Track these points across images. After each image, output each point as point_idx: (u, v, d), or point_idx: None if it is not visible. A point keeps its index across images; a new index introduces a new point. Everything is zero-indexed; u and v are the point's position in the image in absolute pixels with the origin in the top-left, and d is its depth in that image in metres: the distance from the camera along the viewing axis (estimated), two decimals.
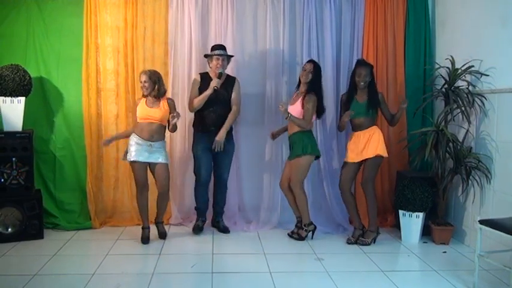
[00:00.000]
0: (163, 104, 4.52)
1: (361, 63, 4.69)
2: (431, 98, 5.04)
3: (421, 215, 4.75)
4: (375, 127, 4.67)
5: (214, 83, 4.64)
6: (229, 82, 4.80)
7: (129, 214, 5.21)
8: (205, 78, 4.80)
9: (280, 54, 5.24)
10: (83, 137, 5.11)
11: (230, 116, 4.78)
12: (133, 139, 4.45)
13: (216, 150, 4.63)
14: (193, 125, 4.94)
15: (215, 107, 4.76)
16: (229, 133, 4.85)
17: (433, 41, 5.36)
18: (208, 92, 4.64)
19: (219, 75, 4.65)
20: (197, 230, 4.90)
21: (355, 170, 4.69)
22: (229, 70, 4.98)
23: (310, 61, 4.68)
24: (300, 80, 4.69)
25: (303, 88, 4.63)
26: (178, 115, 4.46)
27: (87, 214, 5.11)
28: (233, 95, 4.80)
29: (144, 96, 4.49)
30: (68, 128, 5.09)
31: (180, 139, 5.15)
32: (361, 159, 4.62)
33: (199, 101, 4.71)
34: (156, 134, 4.47)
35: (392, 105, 5.13)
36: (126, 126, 5.12)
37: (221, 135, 4.66)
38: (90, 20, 5.07)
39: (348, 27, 5.27)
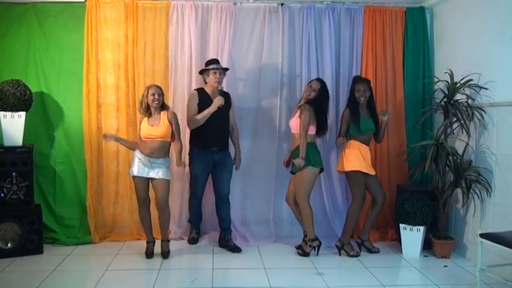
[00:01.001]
0: (164, 119, 4.46)
1: (358, 79, 4.74)
2: (431, 111, 5.03)
3: (421, 228, 4.73)
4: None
5: (219, 101, 4.59)
6: (226, 98, 4.74)
7: (129, 228, 5.17)
8: (201, 94, 4.74)
9: (278, 70, 5.24)
10: (83, 152, 5.09)
11: (236, 138, 4.83)
12: (137, 154, 4.43)
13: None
14: (191, 142, 4.85)
15: (217, 124, 4.70)
16: (226, 149, 4.79)
17: (431, 55, 5.36)
18: (212, 110, 4.57)
19: (220, 92, 4.61)
20: (192, 241, 4.94)
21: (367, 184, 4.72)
22: (224, 85, 4.97)
23: (319, 80, 4.66)
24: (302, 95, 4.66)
25: (302, 102, 4.64)
26: (183, 165, 4.49)
27: (87, 229, 5.08)
28: (231, 113, 4.78)
29: (145, 115, 4.44)
30: (68, 143, 5.08)
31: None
32: (369, 172, 4.68)
33: (202, 118, 4.62)
34: (157, 150, 4.42)
35: (393, 118, 5.14)
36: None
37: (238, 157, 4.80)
38: (91, 35, 5.07)
39: (347, 42, 5.27)
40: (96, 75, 5.12)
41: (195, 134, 4.74)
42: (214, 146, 4.72)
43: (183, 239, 5.14)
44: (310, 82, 4.65)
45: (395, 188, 5.21)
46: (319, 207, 5.22)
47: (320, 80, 4.64)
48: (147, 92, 4.42)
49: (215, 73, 4.62)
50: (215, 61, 4.73)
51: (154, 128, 4.40)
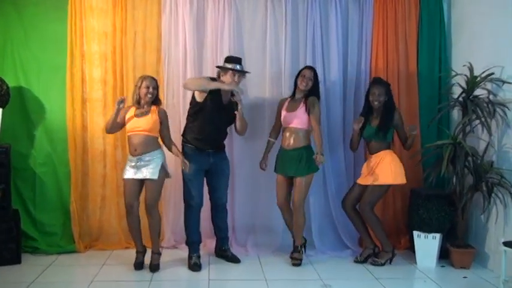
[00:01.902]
0: (153, 114, 4.42)
1: (375, 81, 4.75)
2: (448, 108, 5.00)
3: (438, 236, 4.70)
4: (386, 152, 4.69)
5: (234, 86, 4.37)
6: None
7: (117, 236, 5.11)
8: (212, 94, 4.50)
9: (281, 62, 5.19)
10: (67, 152, 5.03)
11: (245, 122, 4.63)
12: (128, 156, 4.41)
13: (236, 99, 4.37)
14: (183, 138, 4.67)
15: (219, 124, 4.59)
16: (223, 150, 4.75)
17: (448, 46, 5.32)
18: (223, 86, 4.36)
19: (236, 106, 4.44)
20: (195, 267, 4.56)
21: (361, 192, 4.74)
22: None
23: (310, 68, 4.65)
24: (295, 87, 4.63)
25: (299, 95, 4.61)
26: (187, 164, 4.42)
27: (71, 236, 5.01)
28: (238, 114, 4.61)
29: (135, 105, 4.38)
30: (50, 142, 5.03)
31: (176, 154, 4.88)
32: (366, 184, 4.68)
33: (204, 84, 4.37)
34: (141, 146, 4.34)
35: (406, 115, 5.06)
36: (114, 141, 5.09)
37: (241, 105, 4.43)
38: (75, 25, 5.01)
39: (355, 31, 5.24)
40: (81, 68, 5.06)
41: (189, 130, 4.61)
42: (210, 147, 4.60)
43: (177, 247, 5.07)
44: (302, 72, 4.61)
45: (409, 192, 5.10)
46: (326, 216, 5.17)
47: (311, 68, 4.65)
48: (141, 84, 4.40)
49: (234, 75, 4.47)
50: (237, 60, 4.55)
51: (140, 120, 4.35)
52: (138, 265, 4.49)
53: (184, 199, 4.62)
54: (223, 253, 4.79)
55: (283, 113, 4.67)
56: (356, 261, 4.75)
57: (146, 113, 4.39)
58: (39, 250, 4.91)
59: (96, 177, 5.13)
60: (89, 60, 5.09)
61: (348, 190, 4.88)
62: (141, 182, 4.38)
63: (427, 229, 4.71)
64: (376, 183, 4.59)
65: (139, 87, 4.41)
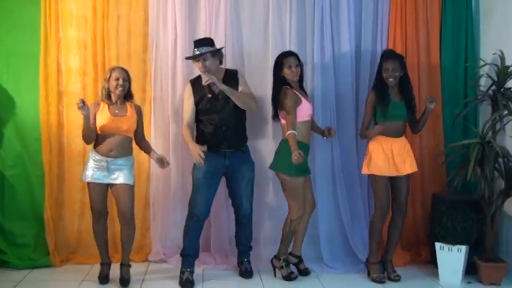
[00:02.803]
0: (131, 110, 4.43)
1: (387, 55, 4.63)
2: (475, 102, 4.89)
3: (463, 248, 4.59)
4: (404, 137, 4.67)
5: (205, 78, 4.35)
6: (229, 78, 4.55)
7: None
8: (195, 86, 4.56)
9: (286, 49, 4.93)
10: (40, 152, 4.95)
11: (244, 95, 4.52)
12: (92, 155, 4.37)
13: (205, 83, 4.36)
14: (197, 141, 4.63)
15: (218, 118, 4.50)
16: (242, 150, 4.65)
17: (476, 32, 5.20)
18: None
19: (209, 89, 4.43)
20: (187, 284, 4.45)
21: (388, 187, 4.64)
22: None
23: (292, 54, 4.59)
24: (281, 79, 4.55)
25: (294, 84, 4.57)
26: (167, 163, 4.49)
27: (45, 249, 4.93)
28: (241, 88, 4.54)
29: (105, 100, 4.38)
30: (21, 141, 4.94)
31: (163, 153, 4.84)
32: (396, 175, 4.56)
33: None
34: (118, 148, 4.35)
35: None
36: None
37: (219, 84, 4.39)
38: (50, 8, 4.93)
39: (369, 15, 5.12)
40: (56, 57, 4.99)
41: (198, 133, 4.62)
42: (224, 147, 4.52)
43: (166, 261, 4.97)
44: (284, 60, 4.52)
45: (431, 197, 5.06)
46: (334, 221, 5.06)
47: (292, 53, 4.61)
48: (110, 75, 4.40)
49: (198, 61, 4.45)
50: (198, 43, 4.50)
51: (120, 119, 4.35)
52: (104, 278, 4.47)
53: (188, 204, 4.59)
54: (240, 264, 4.77)
55: (306, 102, 4.56)
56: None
57: (124, 111, 4.40)
58: (8, 264, 4.84)
59: (74, 181, 5.02)
60: (66, 48, 5.02)
61: (384, 189, 4.60)
62: (107, 186, 4.37)
63: (452, 240, 4.60)
64: (414, 170, 4.58)
65: (108, 79, 4.40)
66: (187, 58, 4.59)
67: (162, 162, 4.42)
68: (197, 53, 4.42)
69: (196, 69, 4.59)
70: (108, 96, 4.37)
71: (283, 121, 4.49)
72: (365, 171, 4.61)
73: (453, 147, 4.80)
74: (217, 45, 4.63)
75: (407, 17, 5.14)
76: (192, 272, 4.53)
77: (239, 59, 5.10)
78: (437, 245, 4.64)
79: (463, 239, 4.57)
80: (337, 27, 5.13)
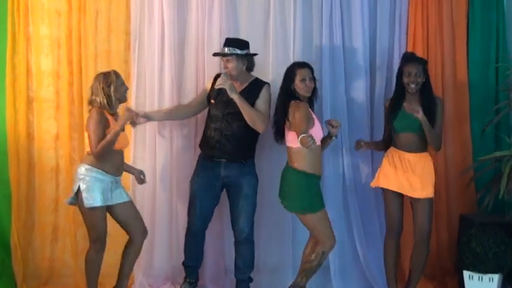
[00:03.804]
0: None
1: (409, 58, 4.55)
2: (508, 109, 4.79)
3: (496, 277, 4.46)
4: (427, 154, 4.51)
5: (221, 81, 4.36)
6: (252, 89, 4.56)
7: (73, 278, 4.92)
8: (217, 79, 4.59)
9: (289, 48, 4.98)
10: (6, 168, 4.86)
11: (254, 111, 4.49)
12: (93, 174, 4.15)
13: (217, 86, 4.39)
14: (200, 146, 4.76)
15: (218, 124, 4.52)
16: (241, 162, 4.60)
17: (509, 29, 5.11)
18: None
19: (216, 93, 4.43)
20: None
21: (400, 207, 4.56)
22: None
23: (307, 66, 4.42)
24: (289, 91, 4.36)
25: (304, 100, 4.36)
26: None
27: (11, 279, 4.81)
28: (258, 103, 4.54)
29: (107, 109, 4.18)
30: None
31: (147, 170, 4.72)
32: (406, 193, 4.48)
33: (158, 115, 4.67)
34: (122, 165, 4.36)
35: (452, 119, 4.94)
36: (70, 153, 4.88)
37: (231, 91, 4.38)
38: (18, 1, 4.87)
39: (385, 10, 5.02)
40: (25, 57, 4.90)
41: (203, 135, 4.73)
42: (220, 156, 4.53)
43: None
44: (298, 71, 4.33)
45: (458, 219, 4.99)
46: (346, 245, 4.96)
47: (306, 65, 4.43)
48: (116, 79, 4.21)
49: (223, 60, 4.57)
50: (229, 42, 4.57)
51: (124, 132, 4.33)
52: None
53: (187, 214, 4.75)
54: None
55: (318, 123, 4.35)
56: None
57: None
58: None
59: (46, 201, 4.95)
60: (37, 47, 4.93)
61: (393, 205, 4.54)
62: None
63: (482, 268, 4.45)
64: (427, 196, 4.38)
65: (115, 84, 4.20)
66: (214, 54, 4.65)
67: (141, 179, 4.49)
68: (226, 51, 4.49)
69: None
70: (109, 104, 4.18)
71: (289, 143, 4.26)
72: (373, 183, 4.59)
73: (483, 161, 4.72)
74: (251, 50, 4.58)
75: (429, 12, 5.04)
76: (192, 283, 4.70)
77: None
78: (466, 273, 4.53)
79: (495, 267, 4.43)
80: (348, 23, 5.02)
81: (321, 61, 4.92)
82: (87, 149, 4.22)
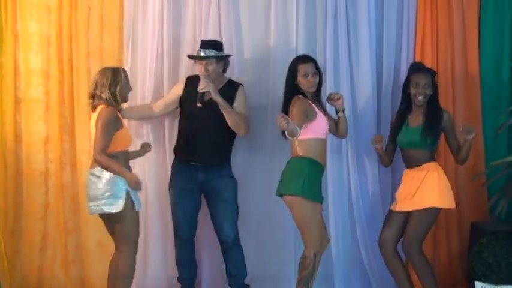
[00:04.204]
0: None
1: (417, 68, 4.53)
2: None
3: None
4: (431, 165, 4.45)
5: (203, 84, 4.37)
6: (227, 90, 4.57)
7: None
8: (191, 81, 4.61)
9: (291, 47, 4.92)
10: None
11: (238, 115, 4.52)
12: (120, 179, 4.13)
13: (201, 90, 4.38)
14: (174, 150, 4.74)
15: (196, 127, 4.51)
16: (219, 165, 4.61)
17: None
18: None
19: (201, 97, 4.41)
20: None
21: (403, 222, 4.48)
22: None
23: (309, 59, 4.40)
24: (293, 88, 4.35)
25: (309, 95, 4.35)
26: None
27: None
28: (237, 106, 4.58)
29: (113, 106, 4.14)
30: None
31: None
32: (410, 209, 4.42)
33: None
34: (128, 163, 4.37)
35: (464, 121, 4.80)
36: (60, 156, 4.84)
37: (215, 94, 4.40)
38: None
39: (393, 8, 4.97)
40: (13, 55, 4.88)
41: (176, 140, 4.72)
42: (196, 160, 4.52)
43: None
44: (299, 67, 4.30)
45: (469, 227, 4.93)
46: (351, 259, 4.93)
47: (309, 58, 4.39)
48: (124, 76, 4.19)
49: (201, 63, 4.53)
50: (205, 44, 4.57)
51: (129, 133, 4.42)
52: None
53: (173, 228, 4.75)
54: None
55: (322, 116, 4.31)
56: None
57: None
58: None
59: (34, 208, 4.91)
60: (25, 45, 4.90)
61: (383, 222, 4.64)
62: None
63: (495, 279, 4.40)
64: (421, 207, 4.32)
65: (122, 83, 4.15)
66: (189, 57, 4.64)
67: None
68: (202, 54, 4.49)
69: (196, 70, 4.61)
70: (115, 102, 4.15)
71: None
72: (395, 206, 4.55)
73: (496, 166, 4.71)
74: (224, 51, 4.60)
75: (438, 9, 4.98)
76: None
77: (234, 59, 4.93)
78: (478, 285, 4.47)
79: (509, 278, 4.40)
80: (353, 20, 4.95)
81: (325, 65, 4.81)
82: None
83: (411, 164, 4.48)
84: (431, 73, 4.49)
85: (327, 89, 4.75)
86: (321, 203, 4.33)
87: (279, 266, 4.94)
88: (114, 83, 4.12)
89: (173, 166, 4.74)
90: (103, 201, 3.97)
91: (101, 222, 4.27)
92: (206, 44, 4.56)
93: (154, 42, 4.87)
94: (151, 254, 4.92)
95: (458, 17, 5.02)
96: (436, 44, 5.01)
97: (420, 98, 4.37)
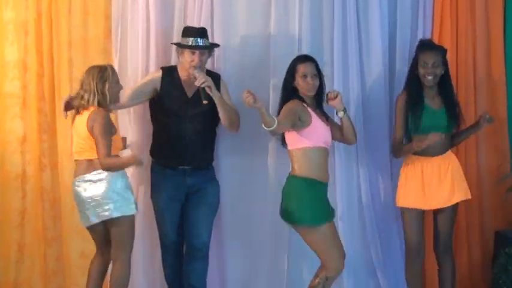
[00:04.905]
0: None
1: (426, 46, 4.40)
2: None
3: None
4: (450, 152, 4.41)
5: (201, 79, 4.19)
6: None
7: None
8: (169, 75, 4.47)
9: (294, 43, 4.81)
10: None
11: (233, 110, 4.43)
12: (122, 181, 4.14)
13: (201, 84, 4.21)
14: (151, 153, 4.59)
15: (188, 127, 4.39)
16: (207, 168, 4.57)
17: None
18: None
19: (204, 92, 4.24)
20: None
21: (423, 221, 4.44)
22: (209, 64, 4.71)
23: (309, 59, 4.28)
24: (290, 90, 4.27)
25: (308, 100, 4.23)
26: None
27: None
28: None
29: (103, 106, 4.08)
30: None
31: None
32: (447, 205, 4.31)
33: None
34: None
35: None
36: (38, 156, 4.77)
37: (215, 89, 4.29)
38: None
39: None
40: None
41: (155, 142, 4.56)
42: (185, 163, 4.42)
43: None
44: (300, 67, 4.18)
45: (493, 236, 4.85)
46: (364, 273, 4.84)
47: (309, 58, 4.29)
48: (112, 74, 4.12)
49: (193, 53, 4.33)
50: (198, 32, 4.41)
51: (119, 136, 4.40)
52: None
53: (159, 237, 4.63)
54: None
55: (320, 122, 4.17)
56: None
57: None
58: None
59: (10, 215, 4.85)
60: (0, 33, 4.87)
61: (404, 229, 4.44)
62: None
63: None
64: (454, 201, 4.27)
65: (110, 81, 4.07)
66: (183, 46, 4.34)
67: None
68: (200, 44, 4.31)
69: (185, 61, 4.39)
70: (103, 103, 4.09)
71: (290, 145, 4.14)
72: (398, 203, 4.45)
73: None
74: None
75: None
76: None
77: (229, 51, 4.86)
78: None
79: None
80: (364, 9, 4.82)
81: (332, 53, 4.74)
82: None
83: (433, 152, 4.33)
84: (442, 51, 4.39)
85: (335, 79, 4.67)
86: (329, 221, 4.18)
87: (265, 275, 4.83)
88: (101, 81, 4.06)
89: (154, 171, 4.61)
90: (110, 206, 3.97)
91: (85, 231, 4.22)
92: (198, 33, 4.42)
93: (145, 29, 4.74)
94: (136, 262, 4.79)
95: (480, 7, 4.89)
96: (455, 31, 4.90)
97: (429, 78, 4.27)
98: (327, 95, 4.25)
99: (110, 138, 4.05)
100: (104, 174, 4.04)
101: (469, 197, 4.34)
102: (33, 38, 4.76)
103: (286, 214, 4.16)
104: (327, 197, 4.26)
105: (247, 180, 4.88)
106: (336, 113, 4.24)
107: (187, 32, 4.39)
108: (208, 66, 4.64)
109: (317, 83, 4.23)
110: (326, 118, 4.34)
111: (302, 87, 4.20)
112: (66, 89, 4.47)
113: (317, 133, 4.17)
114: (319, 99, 4.32)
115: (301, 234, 4.18)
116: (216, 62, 4.82)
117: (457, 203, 4.30)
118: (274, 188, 4.70)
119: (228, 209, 4.82)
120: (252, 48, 4.87)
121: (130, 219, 4.16)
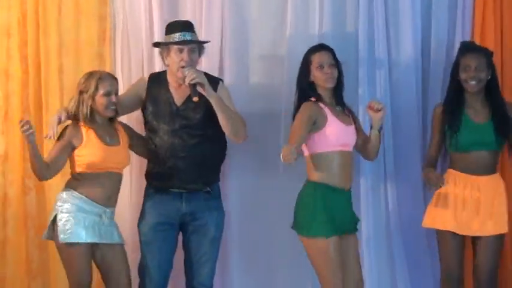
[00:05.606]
0: (122, 134, 4.15)
1: (468, 48, 4.26)
2: None
3: None
4: (498, 176, 4.24)
5: (191, 74, 3.98)
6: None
7: None
8: (157, 82, 4.25)
9: (314, 28, 4.71)
10: None
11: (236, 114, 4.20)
12: (72, 200, 3.98)
13: (192, 81, 3.98)
14: (146, 175, 4.42)
15: (177, 142, 4.16)
16: (208, 192, 4.27)
17: None
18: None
19: (194, 90, 4.02)
20: None
21: (463, 249, 4.27)
22: (208, 68, 4.57)
23: (325, 48, 4.17)
24: (306, 86, 4.13)
25: (327, 97, 4.08)
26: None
27: None
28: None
29: (85, 121, 3.98)
30: None
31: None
32: (467, 234, 4.19)
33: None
34: (116, 193, 4.18)
35: None
36: (22, 177, 4.65)
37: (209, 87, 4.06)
38: None
39: None
40: None
41: (149, 161, 4.34)
42: (180, 185, 4.19)
43: None
44: (315, 57, 4.06)
45: None
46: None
47: (325, 47, 4.16)
48: (96, 87, 3.97)
49: (181, 51, 4.11)
50: (181, 27, 4.21)
51: (115, 150, 4.11)
52: None
53: (138, 271, 4.36)
54: None
55: (339, 124, 3.98)
56: None
57: (115, 136, 4.11)
58: None
59: None
60: None
61: (450, 251, 4.20)
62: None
63: None
64: (498, 231, 4.09)
65: (94, 93, 3.97)
66: (164, 44, 4.15)
67: None
68: (188, 38, 4.07)
69: (172, 61, 4.18)
70: (90, 116, 4.00)
71: (306, 151, 3.98)
72: (426, 223, 4.28)
73: None
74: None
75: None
76: None
77: (240, 50, 4.77)
78: None
79: None
80: (394, 9, 4.71)
81: (357, 54, 4.62)
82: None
83: (474, 170, 4.15)
84: (486, 53, 4.22)
85: (359, 81, 4.58)
86: (341, 234, 3.96)
87: None
88: (84, 90, 3.93)
89: (146, 195, 4.38)
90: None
91: None
92: (184, 27, 4.22)
93: (148, 31, 4.67)
94: None
95: None
96: (500, 26, 4.72)
97: (473, 83, 4.07)
98: (370, 103, 4.07)
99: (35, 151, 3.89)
100: (64, 194, 3.96)
101: (504, 231, 4.15)
102: (16, 41, 4.67)
103: (293, 222, 4.06)
104: (347, 206, 4.09)
105: (260, 203, 4.75)
106: (370, 128, 4.09)
107: (171, 27, 4.21)
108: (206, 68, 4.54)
109: (335, 73, 4.07)
110: (350, 116, 4.18)
111: (319, 79, 4.05)
112: (55, 100, 4.43)
113: (332, 135, 4.03)
114: (339, 93, 4.15)
115: (304, 246, 4.05)
116: (227, 66, 4.68)
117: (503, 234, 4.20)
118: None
119: (235, 240, 4.73)
120: (265, 37, 4.74)
121: (64, 248, 3.98)
